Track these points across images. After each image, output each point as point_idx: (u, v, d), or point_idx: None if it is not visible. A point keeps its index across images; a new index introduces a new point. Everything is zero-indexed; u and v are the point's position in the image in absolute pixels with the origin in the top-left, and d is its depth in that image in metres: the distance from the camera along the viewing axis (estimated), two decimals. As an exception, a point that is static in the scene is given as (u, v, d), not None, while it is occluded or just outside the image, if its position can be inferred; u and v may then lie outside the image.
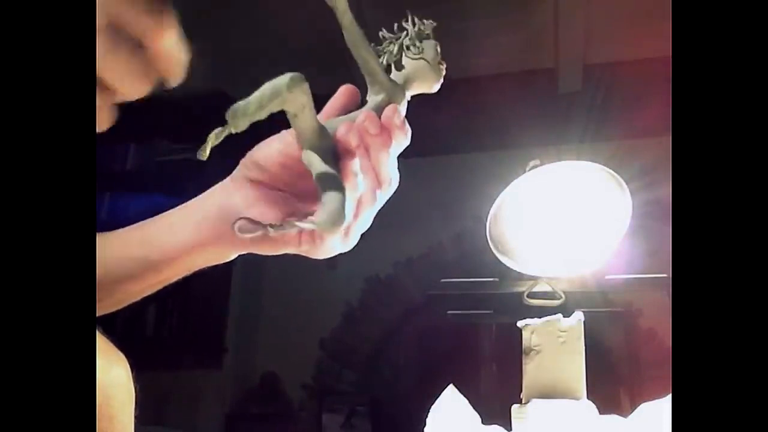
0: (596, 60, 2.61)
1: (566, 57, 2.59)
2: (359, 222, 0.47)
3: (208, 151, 0.40)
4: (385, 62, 0.49)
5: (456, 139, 2.83)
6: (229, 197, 0.49)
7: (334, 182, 0.41)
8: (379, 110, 0.47)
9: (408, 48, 0.49)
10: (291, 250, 0.49)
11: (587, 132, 2.56)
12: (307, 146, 0.43)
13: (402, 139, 0.47)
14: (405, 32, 0.50)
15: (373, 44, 0.49)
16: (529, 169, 1.21)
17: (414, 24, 0.50)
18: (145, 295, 0.55)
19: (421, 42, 0.50)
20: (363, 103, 0.49)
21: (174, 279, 0.53)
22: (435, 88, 0.52)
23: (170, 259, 0.51)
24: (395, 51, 0.49)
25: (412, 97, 0.51)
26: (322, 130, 0.43)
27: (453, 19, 2.24)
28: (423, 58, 0.50)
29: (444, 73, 0.51)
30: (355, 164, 0.44)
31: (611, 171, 1.15)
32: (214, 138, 0.40)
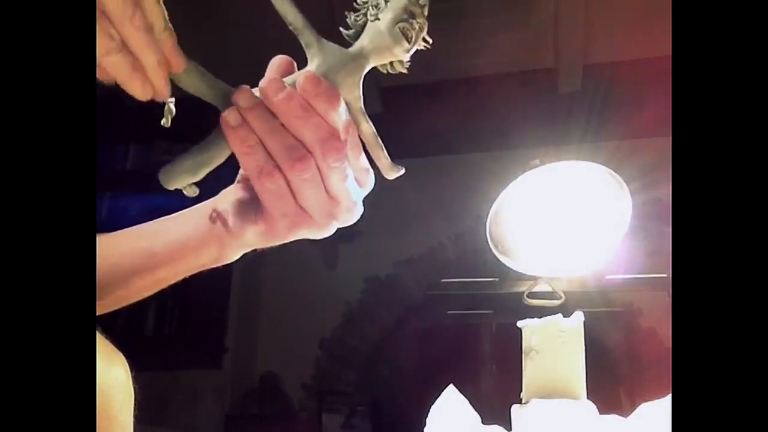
0: (596, 60, 2.61)
1: (566, 57, 2.59)
2: (297, 183, 0.44)
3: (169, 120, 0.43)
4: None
5: (456, 139, 2.83)
6: (225, 198, 0.50)
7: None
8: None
9: (376, 8, 0.45)
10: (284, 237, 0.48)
11: (587, 132, 2.56)
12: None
13: (322, 106, 0.43)
14: None
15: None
16: (530, 169, 1.21)
17: None
18: (147, 294, 0.55)
19: (384, 4, 0.45)
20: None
21: (176, 278, 0.54)
22: (400, 56, 0.46)
23: (173, 253, 0.51)
24: (364, 15, 0.46)
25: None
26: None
27: (453, 19, 2.24)
28: (377, 19, 0.45)
29: (414, 39, 0.46)
30: (228, 118, 0.43)
31: (611, 171, 1.15)
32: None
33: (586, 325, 0.78)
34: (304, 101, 0.43)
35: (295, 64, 0.46)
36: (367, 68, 0.46)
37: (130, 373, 0.43)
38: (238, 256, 0.52)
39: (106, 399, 0.39)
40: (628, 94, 2.53)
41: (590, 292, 2.58)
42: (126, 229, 0.55)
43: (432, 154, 2.87)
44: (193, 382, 3.00)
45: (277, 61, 0.46)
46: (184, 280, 0.54)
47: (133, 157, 3.19)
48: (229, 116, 0.43)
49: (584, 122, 2.60)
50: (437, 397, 0.78)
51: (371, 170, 0.48)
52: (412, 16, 0.45)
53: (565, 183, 1.22)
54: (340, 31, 0.46)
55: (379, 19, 0.45)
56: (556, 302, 1.32)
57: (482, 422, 0.77)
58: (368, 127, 0.47)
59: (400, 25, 0.45)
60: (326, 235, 0.48)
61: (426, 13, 0.46)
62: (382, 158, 0.48)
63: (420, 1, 0.46)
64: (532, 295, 1.36)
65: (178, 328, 3.10)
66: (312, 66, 0.45)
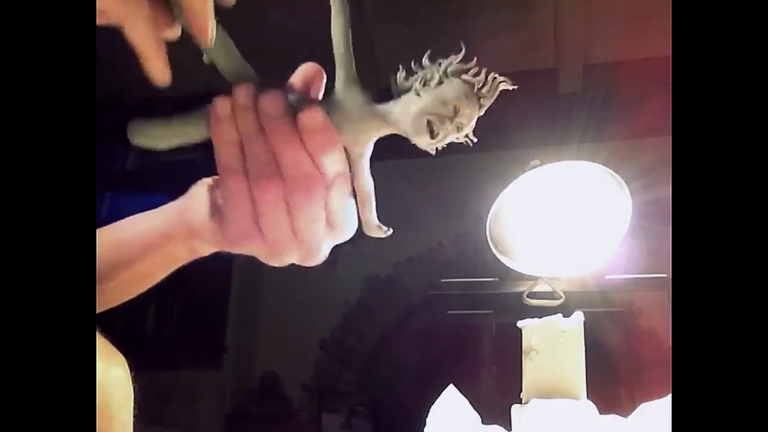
0: (596, 60, 2.62)
1: (566, 57, 2.60)
2: (265, 214, 0.42)
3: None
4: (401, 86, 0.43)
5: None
6: (192, 195, 0.48)
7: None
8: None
9: (424, 83, 0.42)
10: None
11: (587, 132, 2.56)
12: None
13: (315, 143, 0.40)
14: (437, 66, 0.43)
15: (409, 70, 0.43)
16: (529, 169, 1.21)
17: (448, 73, 0.43)
18: (130, 291, 0.54)
19: (435, 85, 0.42)
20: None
21: (152, 273, 0.52)
22: (419, 144, 0.44)
23: (145, 244, 0.50)
24: (414, 82, 0.43)
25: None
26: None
27: (453, 19, 2.24)
28: (419, 95, 0.42)
29: (439, 138, 0.43)
30: (217, 107, 0.41)
31: (611, 171, 1.15)
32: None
33: (586, 325, 0.78)
34: (296, 130, 0.40)
35: (324, 74, 0.44)
36: (384, 134, 0.44)
37: (129, 373, 0.43)
38: (209, 252, 0.50)
39: (106, 399, 0.39)
40: (628, 94, 2.54)
41: (590, 292, 2.59)
42: (103, 227, 0.54)
43: (432, 154, 2.87)
44: (193, 382, 3.01)
45: (305, 68, 0.44)
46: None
47: (133, 157, 3.19)
48: (218, 106, 0.41)
49: (584, 122, 2.60)
50: (437, 397, 0.78)
51: (355, 224, 0.44)
52: (454, 112, 0.42)
53: (565, 183, 1.22)
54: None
55: (419, 95, 0.42)
56: (556, 302, 1.32)
57: (482, 422, 0.77)
58: (364, 183, 0.44)
59: (431, 117, 0.42)
60: (278, 265, 0.45)
61: (474, 119, 0.44)
62: (368, 215, 0.45)
63: (469, 105, 0.43)
64: (532, 295, 1.37)
65: (178, 328, 3.10)
66: (334, 91, 0.42)
